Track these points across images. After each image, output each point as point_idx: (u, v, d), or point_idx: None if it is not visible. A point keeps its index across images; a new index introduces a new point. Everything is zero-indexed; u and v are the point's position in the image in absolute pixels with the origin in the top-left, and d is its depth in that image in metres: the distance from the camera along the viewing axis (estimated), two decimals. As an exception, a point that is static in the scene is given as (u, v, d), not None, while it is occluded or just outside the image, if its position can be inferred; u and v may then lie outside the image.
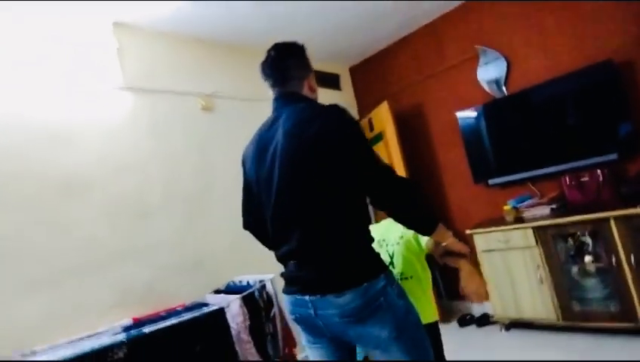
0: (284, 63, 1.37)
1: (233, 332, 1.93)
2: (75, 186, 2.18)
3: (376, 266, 1.17)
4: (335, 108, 1.20)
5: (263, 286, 2.15)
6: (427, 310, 1.52)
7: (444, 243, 1.32)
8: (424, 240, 1.50)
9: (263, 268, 2.79)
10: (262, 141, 1.31)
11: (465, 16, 3.34)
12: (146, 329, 1.67)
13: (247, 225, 1.46)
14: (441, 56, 3.53)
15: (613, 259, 2.33)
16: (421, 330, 1.22)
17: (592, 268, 2.58)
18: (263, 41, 3.24)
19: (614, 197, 2.56)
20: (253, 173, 1.32)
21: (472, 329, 3.08)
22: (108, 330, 1.91)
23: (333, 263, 1.13)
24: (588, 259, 2.57)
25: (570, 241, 2.64)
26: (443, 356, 1.59)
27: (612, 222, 2.32)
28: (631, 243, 2.28)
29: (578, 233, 2.58)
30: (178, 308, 2.19)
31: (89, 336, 1.84)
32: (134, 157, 2.45)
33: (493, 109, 3.18)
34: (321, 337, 1.24)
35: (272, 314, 2.16)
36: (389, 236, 1.60)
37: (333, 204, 1.14)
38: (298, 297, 1.19)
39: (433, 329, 1.54)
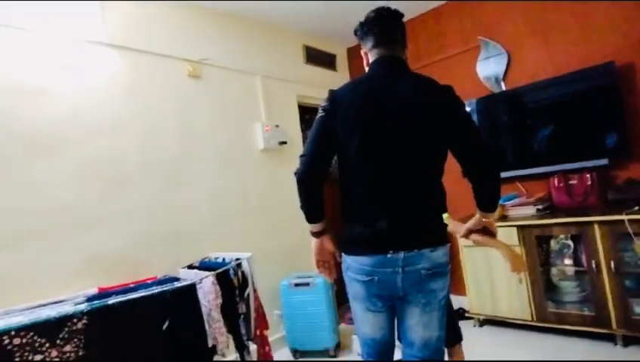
0: (396, 26, 1.38)
1: (204, 310, 1.85)
2: (43, 145, 2.02)
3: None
4: (452, 89, 1.31)
5: (239, 265, 2.07)
6: None
7: (485, 221, 1.44)
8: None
9: (242, 245, 2.74)
10: (372, 99, 1.28)
11: (470, 6, 3.24)
12: (111, 301, 1.57)
13: (312, 175, 1.37)
14: (441, 45, 3.44)
15: (593, 264, 2.33)
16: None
17: (571, 271, 2.59)
18: (260, 12, 3.13)
19: (600, 202, 2.55)
20: (352, 127, 1.28)
21: (461, 323, 3.07)
22: (70, 299, 1.80)
23: (431, 223, 1.28)
24: (568, 261, 2.58)
25: (553, 243, 2.63)
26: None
27: (596, 227, 2.31)
28: (612, 250, 2.27)
29: (561, 235, 2.57)
30: (148, 281, 2.10)
31: (49, 304, 1.73)
32: (111, 118, 2.30)
33: (488, 104, 3.12)
34: (384, 303, 1.32)
35: (246, 294, 2.08)
36: None
37: (438, 173, 1.31)
38: (389, 256, 1.24)
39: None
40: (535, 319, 2.56)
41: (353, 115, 1.28)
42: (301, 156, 1.38)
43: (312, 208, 1.42)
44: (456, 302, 3.26)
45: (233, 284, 2.01)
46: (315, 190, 1.38)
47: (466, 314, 3.01)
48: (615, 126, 2.51)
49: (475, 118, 3.13)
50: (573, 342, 2.44)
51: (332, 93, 1.36)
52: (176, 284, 1.82)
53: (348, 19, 3.47)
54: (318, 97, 3.75)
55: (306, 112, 3.77)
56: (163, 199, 2.46)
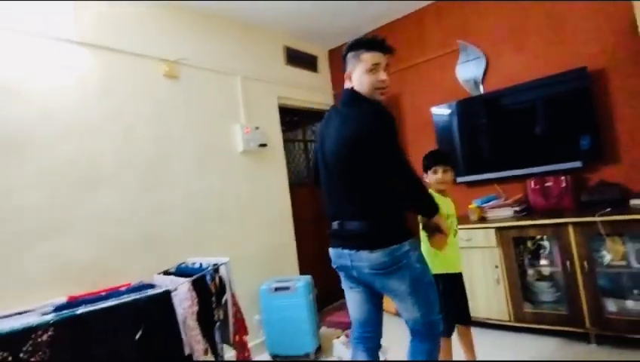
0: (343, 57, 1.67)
1: (179, 318, 1.79)
2: (11, 145, 1.93)
3: (403, 234, 1.47)
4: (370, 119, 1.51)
5: (217, 270, 2.02)
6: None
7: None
8: None
9: (220, 249, 2.69)
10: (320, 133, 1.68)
11: (449, 10, 3.28)
12: (80, 310, 1.50)
13: (317, 182, 1.74)
14: (422, 47, 3.47)
15: (568, 265, 2.38)
16: (432, 290, 1.54)
17: (547, 271, 2.64)
18: (240, 13, 3.09)
19: (574, 204, 2.61)
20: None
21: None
22: (37, 309, 1.72)
23: (368, 230, 1.45)
24: (544, 262, 2.62)
25: (529, 244, 2.68)
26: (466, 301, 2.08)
27: (570, 228, 2.36)
28: (585, 250, 2.33)
29: (537, 236, 2.62)
30: (122, 288, 2.03)
31: (13, 314, 1.65)
32: (83, 118, 2.21)
33: (466, 107, 3.16)
34: (357, 284, 1.61)
35: (224, 300, 2.04)
36: None
37: (375, 188, 1.47)
38: (339, 250, 1.54)
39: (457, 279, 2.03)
40: (512, 319, 2.60)
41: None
42: None
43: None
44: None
45: (210, 290, 1.96)
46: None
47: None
48: (588, 129, 2.57)
49: (455, 121, 3.18)
50: (549, 341, 2.48)
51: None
52: (151, 292, 1.76)
53: (329, 20, 3.47)
54: (299, 99, 3.74)
55: (287, 114, 3.74)
56: (138, 203, 2.39)
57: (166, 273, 2.21)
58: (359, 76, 1.54)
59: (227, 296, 2.04)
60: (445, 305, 1.75)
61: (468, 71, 3.19)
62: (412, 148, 3.55)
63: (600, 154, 2.56)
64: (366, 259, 1.46)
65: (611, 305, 2.33)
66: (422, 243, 1.88)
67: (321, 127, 1.67)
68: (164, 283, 1.99)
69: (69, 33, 2.20)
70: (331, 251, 1.62)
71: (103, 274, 2.14)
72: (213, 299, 1.99)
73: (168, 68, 2.63)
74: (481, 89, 3.14)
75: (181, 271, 2.19)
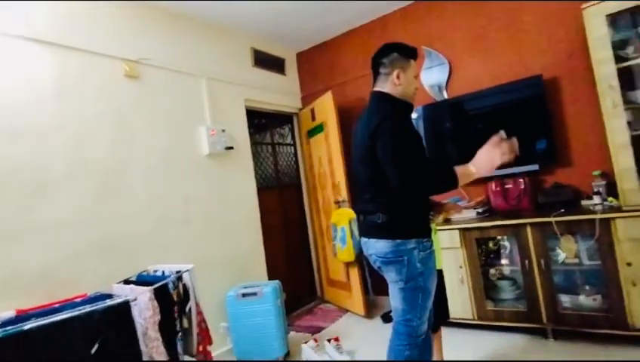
0: (375, 59, 1.78)
1: (139, 329, 1.72)
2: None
3: (412, 232, 1.56)
4: (380, 119, 1.59)
5: (180, 278, 1.95)
6: None
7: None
8: None
9: (184, 255, 2.61)
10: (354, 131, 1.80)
11: (414, 17, 3.35)
12: (28, 325, 1.41)
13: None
14: (387, 53, 3.52)
15: (526, 263, 2.48)
16: (424, 296, 1.59)
17: (507, 270, 2.74)
18: (206, 13, 3.02)
19: (532, 205, 2.73)
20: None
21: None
22: (-20, 324, 1.59)
23: (378, 220, 1.58)
24: (504, 261, 2.72)
25: (491, 244, 2.77)
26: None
27: (528, 229, 2.46)
28: (542, 249, 2.43)
29: (498, 237, 2.71)
30: (77, 300, 1.92)
31: (-47, 332, 1.52)
32: (34, 121, 2.08)
33: (431, 111, 3.23)
34: (381, 273, 1.72)
35: (187, 308, 1.97)
36: None
37: (385, 184, 1.55)
38: (363, 239, 1.70)
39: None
40: (476, 317, 2.68)
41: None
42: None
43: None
44: (404, 304, 3.34)
45: (173, 299, 1.89)
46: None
47: (413, 316, 3.09)
48: (544, 134, 2.70)
49: (420, 125, 3.24)
50: (509, 337, 2.57)
51: None
52: (108, 302, 1.67)
53: (297, 23, 3.47)
54: (267, 101, 3.70)
55: (255, 116, 3.69)
56: (95, 209, 2.27)
57: (126, 282, 2.11)
58: (407, 79, 1.66)
59: (191, 304, 1.97)
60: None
61: (432, 76, 3.27)
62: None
63: (555, 157, 2.69)
64: (373, 247, 1.62)
65: (565, 301, 2.45)
66: None
67: (355, 126, 1.79)
68: (123, 292, 1.90)
69: (19, 29, 2.07)
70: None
71: (56, 285, 2.01)
72: (176, 307, 1.93)
73: (129, 68, 2.53)
74: (445, 94, 3.23)
75: (142, 280, 2.10)
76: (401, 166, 1.47)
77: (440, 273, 2.06)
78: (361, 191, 1.70)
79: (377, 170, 1.55)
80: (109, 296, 1.86)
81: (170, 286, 1.89)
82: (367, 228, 1.66)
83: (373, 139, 1.53)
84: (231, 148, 3.09)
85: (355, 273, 3.35)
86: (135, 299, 1.73)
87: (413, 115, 3.30)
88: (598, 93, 2.28)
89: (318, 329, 3.22)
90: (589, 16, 2.28)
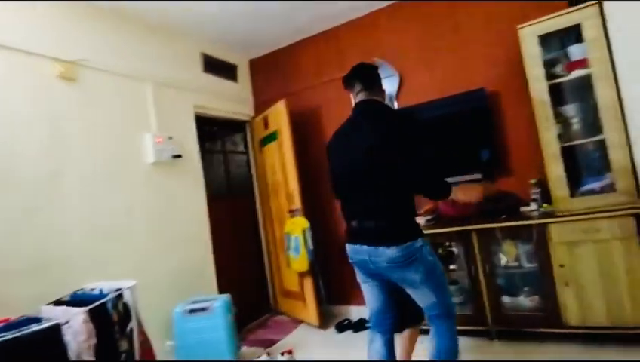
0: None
1: (72, 355, 1.55)
2: None
3: (416, 232, 1.67)
4: (396, 118, 1.77)
5: (120, 296, 1.80)
6: None
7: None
8: None
9: (127, 271, 2.43)
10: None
11: (366, 28, 3.43)
12: None
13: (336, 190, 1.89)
14: (340, 63, 3.56)
15: (472, 268, 2.59)
16: (443, 278, 1.74)
17: (456, 275, 2.84)
18: (154, 14, 2.88)
19: (478, 212, 2.86)
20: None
21: (348, 334, 3.14)
22: None
23: (386, 228, 1.63)
24: (453, 267, 2.82)
25: (441, 251, 2.86)
26: None
27: (473, 235, 2.58)
28: (486, 254, 2.56)
29: (447, 243, 2.81)
30: (-2, 325, 1.71)
31: None
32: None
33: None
34: (372, 277, 1.79)
35: (128, 329, 1.83)
36: None
37: (396, 190, 1.65)
38: (358, 246, 1.71)
39: None
40: (427, 323, 2.73)
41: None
42: None
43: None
44: (358, 312, 3.36)
45: (112, 319, 1.74)
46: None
47: (367, 325, 3.11)
48: (487, 144, 2.85)
49: (371, 134, 3.30)
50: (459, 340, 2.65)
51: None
52: (34, 327, 1.50)
53: (250, 30, 3.42)
54: (218, 108, 3.60)
55: (205, 124, 3.57)
56: (23, 224, 2.06)
57: (58, 303, 1.91)
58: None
59: (133, 324, 1.83)
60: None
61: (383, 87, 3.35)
62: (333, 160, 3.64)
63: (497, 166, 2.85)
64: (383, 254, 1.63)
65: (508, 303, 2.58)
66: None
67: (338, 137, 1.85)
68: (54, 315, 1.71)
69: None
70: (349, 247, 1.78)
71: (-28, 310, 1.78)
72: (116, 328, 1.77)
73: (63, 69, 2.34)
74: (396, 104, 3.32)
75: (77, 300, 1.91)
76: (427, 168, 1.60)
77: None
78: (358, 199, 1.72)
79: (389, 176, 1.61)
80: (37, 320, 1.67)
81: (109, 305, 1.74)
82: (376, 236, 1.65)
83: (392, 143, 1.61)
84: (179, 156, 2.96)
85: (309, 283, 3.31)
86: (68, 322, 1.56)
87: (366, 125, 3.36)
88: (533, 107, 2.45)
89: (272, 343, 3.13)
90: (524, 36, 2.45)
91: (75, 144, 2.37)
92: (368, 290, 1.85)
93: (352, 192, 1.75)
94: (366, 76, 1.86)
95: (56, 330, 1.50)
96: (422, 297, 1.71)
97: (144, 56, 2.92)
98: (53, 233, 2.18)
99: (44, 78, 2.27)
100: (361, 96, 1.83)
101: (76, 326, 1.60)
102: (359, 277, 1.86)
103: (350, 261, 1.82)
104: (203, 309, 2.53)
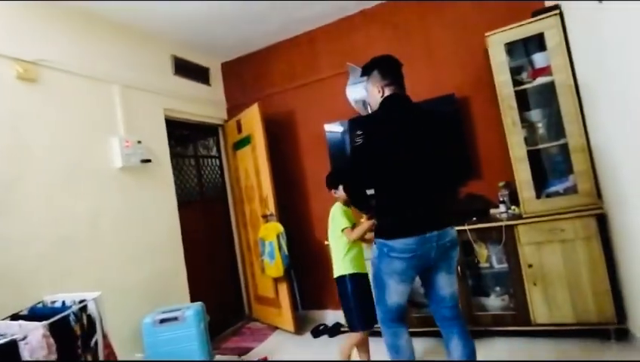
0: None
1: (31, 372, 1.46)
2: None
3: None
4: (436, 114, 1.91)
5: (83, 308, 1.72)
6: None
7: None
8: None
9: (92, 282, 2.32)
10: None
11: (340, 33, 3.45)
12: None
13: (360, 188, 1.88)
14: (314, 67, 3.57)
15: (445, 270, 2.62)
16: None
17: (428, 277, 2.88)
18: (122, 14, 2.78)
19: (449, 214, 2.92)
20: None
21: (324, 339, 3.12)
22: None
23: (444, 210, 1.77)
24: (426, 269, 2.85)
25: (413, 253, 2.89)
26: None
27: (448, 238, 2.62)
28: (459, 256, 2.59)
29: (420, 246, 2.84)
30: (-54, 343, 1.58)
31: None
32: None
33: (356, 125, 3.32)
34: (415, 270, 1.77)
35: (93, 342, 1.74)
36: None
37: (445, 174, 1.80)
38: (427, 235, 1.68)
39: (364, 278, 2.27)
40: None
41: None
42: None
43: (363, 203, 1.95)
44: (333, 317, 3.35)
45: (75, 333, 1.65)
46: (363, 195, 1.89)
47: (342, 329, 3.10)
48: (457, 148, 2.91)
49: (346, 138, 3.32)
50: (430, 341, 2.68)
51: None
52: (-12, 344, 1.40)
53: (222, 33, 3.37)
54: (190, 112, 3.52)
55: (177, 128, 3.48)
56: (-24, 232, 1.93)
57: (14, 317, 1.79)
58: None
59: (98, 337, 1.74)
60: (367, 301, 2.15)
61: (357, 92, 3.38)
62: (306, 159, 3.65)
63: (468, 169, 2.91)
64: (449, 235, 1.73)
65: (479, 303, 2.64)
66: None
67: (383, 128, 1.79)
68: (10, 331, 1.61)
69: None
70: (410, 240, 1.68)
71: None
72: (79, 342, 1.68)
73: (22, 70, 2.22)
74: (369, 109, 3.34)
75: (36, 313, 1.80)
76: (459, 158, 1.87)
77: (367, 277, 2.27)
78: (418, 189, 1.73)
79: (444, 163, 1.77)
80: (-8, 336, 1.57)
81: (72, 318, 1.65)
82: (442, 219, 1.74)
83: (442, 133, 1.78)
84: (148, 160, 2.86)
85: (284, 288, 3.27)
86: (25, 338, 1.47)
87: (339, 128, 3.38)
88: (501, 112, 2.53)
89: (246, 350, 3.07)
90: (491, 43, 2.53)
91: (35, 148, 2.25)
92: (401, 287, 1.79)
93: (410, 183, 1.73)
94: (400, 72, 1.90)
95: (13, 346, 1.40)
96: (452, 283, 1.80)
97: (111, 57, 2.81)
98: (12, 243, 2.06)
99: (1, 78, 2.15)
100: (393, 89, 1.84)
101: (34, 342, 1.50)
102: (398, 276, 1.75)
103: (401, 258, 1.71)
104: (174, 319, 2.45)
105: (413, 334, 2.73)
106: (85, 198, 2.47)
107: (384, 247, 1.74)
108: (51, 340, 1.52)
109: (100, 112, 2.68)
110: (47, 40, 2.41)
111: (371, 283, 1.93)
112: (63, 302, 1.83)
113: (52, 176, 2.31)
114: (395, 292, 1.80)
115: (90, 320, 1.73)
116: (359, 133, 1.78)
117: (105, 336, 1.77)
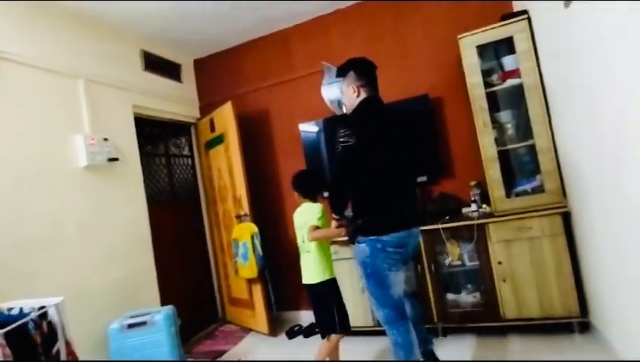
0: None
1: (-16, 385, 1.36)
2: None
3: None
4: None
5: (44, 315, 1.62)
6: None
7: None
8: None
9: (55, 287, 2.20)
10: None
11: (315, 32, 3.44)
12: None
13: (345, 189, 1.89)
14: (289, 66, 3.54)
15: (419, 268, 2.66)
16: None
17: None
18: (89, 5, 2.64)
19: (423, 213, 2.96)
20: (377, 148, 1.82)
21: (299, 339, 3.09)
22: None
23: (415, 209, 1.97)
24: (400, 268, 2.88)
25: (388, 252, 2.91)
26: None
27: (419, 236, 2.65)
28: (431, 254, 2.64)
29: (394, 245, 2.87)
30: None
31: None
32: None
33: (332, 125, 3.32)
34: (405, 262, 1.90)
35: (54, 350, 1.64)
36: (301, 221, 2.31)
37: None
38: (412, 231, 1.85)
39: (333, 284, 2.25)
40: (375, 324, 2.77)
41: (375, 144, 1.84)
42: None
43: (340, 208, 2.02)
44: (308, 317, 3.32)
45: (34, 341, 1.55)
46: (344, 199, 1.94)
47: (317, 330, 3.08)
48: (431, 148, 2.96)
49: (321, 137, 3.31)
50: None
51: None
52: None
53: (194, 29, 3.28)
54: (160, 109, 3.41)
55: (146, 125, 3.37)
56: None
57: (-33, 326, 1.67)
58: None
59: (60, 345, 1.65)
60: (342, 303, 2.21)
61: (331, 91, 3.37)
62: (281, 159, 3.61)
63: (440, 169, 2.97)
64: (419, 234, 1.97)
65: (452, 300, 2.69)
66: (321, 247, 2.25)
67: (366, 127, 1.84)
68: (-39, 340, 1.50)
69: None
70: (397, 235, 1.77)
71: None
72: (40, 350, 1.59)
73: (-23, 61, 2.08)
74: (344, 109, 3.34)
75: (-9, 321, 1.69)
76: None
77: (336, 282, 2.27)
78: (401, 187, 1.86)
79: (412, 167, 1.95)
80: (-60, 348, 1.45)
81: (31, 325, 1.55)
82: (417, 219, 1.92)
83: (410, 140, 1.94)
84: (115, 159, 2.75)
85: (258, 290, 3.23)
86: (-23, 348, 1.37)
87: (314, 128, 3.36)
88: (473, 112, 2.59)
89: (220, 353, 3.00)
90: (463, 45, 2.58)
91: (-10, 145, 2.11)
92: (402, 275, 1.88)
93: (395, 180, 1.83)
94: (375, 74, 1.95)
95: (-38, 358, 1.30)
96: (413, 278, 1.99)
97: (76, 50, 2.68)
98: (-37, 246, 1.92)
99: (-49, 70, 2.00)
100: (368, 92, 1.90)
101: (-11, 352, 1.40)
102: (396, 267, 1.80)
103: (396, 248, 1.77)
104: (143, 323, 2.36)
105: (374, 333, 2.79)
106: (47, 198, 2.33)
107: (378, 243, 1.77)
108: (7, 350, 1.43)
109: (63, 108, 2.54)
110: (5, 30, 2.27)
111: (367, 287, 1.88)
112: (21, 309, 1.71)
113: (11, 174, 2.17)
114: (399, 283, 1.85)
115: (52, 327, 1.64)
116: (348, 132, 1.79)
117: (68, 344, 1.67)
